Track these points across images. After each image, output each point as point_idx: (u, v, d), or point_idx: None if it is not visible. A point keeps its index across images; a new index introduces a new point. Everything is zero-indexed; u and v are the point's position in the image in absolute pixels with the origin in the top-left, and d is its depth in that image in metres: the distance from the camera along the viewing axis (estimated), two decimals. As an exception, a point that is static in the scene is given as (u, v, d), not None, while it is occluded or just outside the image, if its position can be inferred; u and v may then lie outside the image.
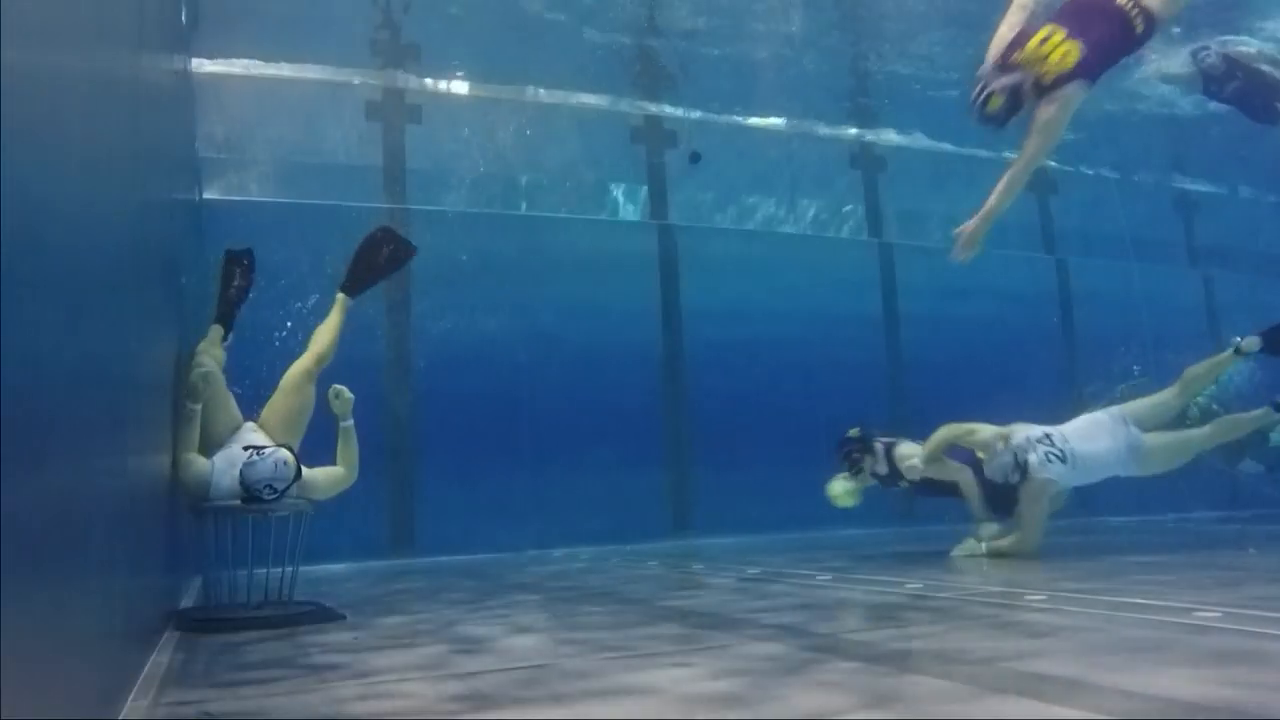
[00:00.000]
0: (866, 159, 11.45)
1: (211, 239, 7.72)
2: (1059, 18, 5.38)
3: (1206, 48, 8.16)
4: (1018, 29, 5.39)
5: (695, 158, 10.25)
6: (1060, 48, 5.15)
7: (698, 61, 10.34)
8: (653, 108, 10.62)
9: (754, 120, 11.45)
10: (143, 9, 3.33)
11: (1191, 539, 7.32)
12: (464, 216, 9.56)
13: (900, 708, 2.10)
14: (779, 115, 11.42)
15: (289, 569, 4.38)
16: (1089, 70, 5.24)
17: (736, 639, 3.19)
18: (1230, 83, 7.91)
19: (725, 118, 11.13)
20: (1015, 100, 5.29)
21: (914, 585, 4.50)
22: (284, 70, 9.37)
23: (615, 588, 5.19)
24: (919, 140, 11.78)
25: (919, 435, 6.49)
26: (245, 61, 9.17)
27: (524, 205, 10.42)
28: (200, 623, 4.04)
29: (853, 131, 11.57)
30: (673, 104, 10.66)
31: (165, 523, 4.07)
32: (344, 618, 4.12)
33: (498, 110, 10.12)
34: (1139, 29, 5.24)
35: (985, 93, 5.30)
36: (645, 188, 10.58)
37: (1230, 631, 2.88)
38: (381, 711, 2.36)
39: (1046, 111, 5.21)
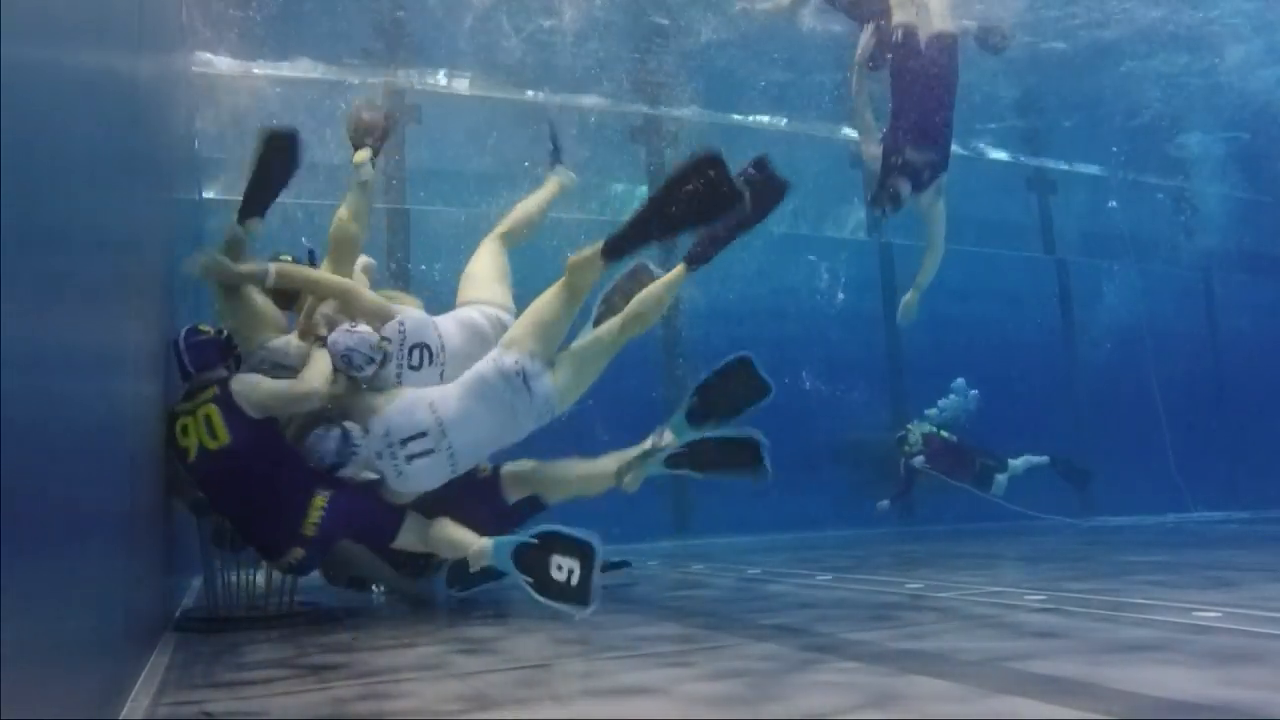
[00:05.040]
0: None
1: (211, 239, 7.71)
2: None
3: None
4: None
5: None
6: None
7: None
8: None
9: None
10: (143, 9, 3.33)
11: (1191, 539, 7.32)
12: (462, 216, 9.54)
13: (900, 708, 2.10)
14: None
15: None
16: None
17: (736, 639, 3.19)
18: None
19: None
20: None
21: (914, 585, 4.50)
22: (283, 69, 9.37)
23: (615, 587, 5.19)
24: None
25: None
26: (245, 61, 9.18)
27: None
28: (200, 623, 4.04)
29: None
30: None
31: (165, 523, 4.07)
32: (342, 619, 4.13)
33: (497, 110, 10.11)
34: None
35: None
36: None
37: (1230, 631, 2.88)
38: (381, 711, 2.36)
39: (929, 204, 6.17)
